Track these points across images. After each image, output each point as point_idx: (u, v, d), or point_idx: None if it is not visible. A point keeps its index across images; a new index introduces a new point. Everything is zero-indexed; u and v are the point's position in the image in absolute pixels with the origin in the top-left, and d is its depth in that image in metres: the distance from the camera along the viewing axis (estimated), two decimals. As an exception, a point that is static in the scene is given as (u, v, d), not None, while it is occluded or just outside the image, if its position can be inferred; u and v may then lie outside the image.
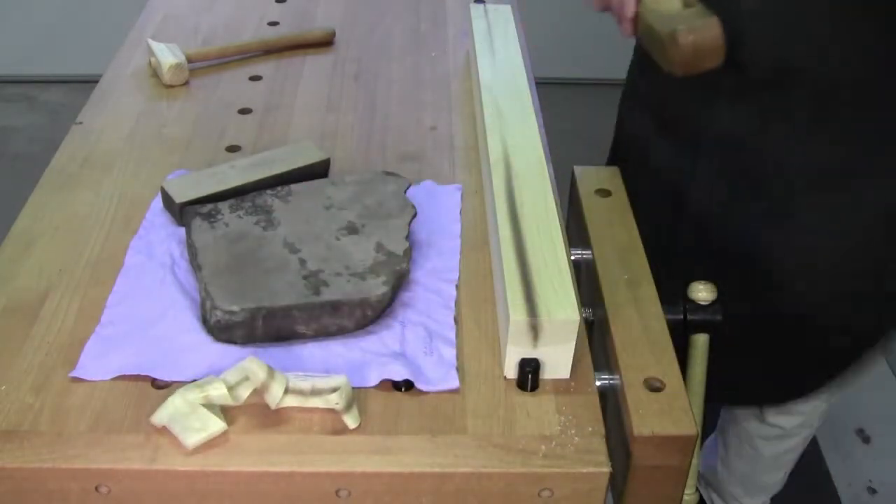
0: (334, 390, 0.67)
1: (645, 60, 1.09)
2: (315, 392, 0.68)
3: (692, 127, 1.08)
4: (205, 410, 0.67)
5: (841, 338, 1.14)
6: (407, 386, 0.72)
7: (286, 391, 0.68)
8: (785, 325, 1.13)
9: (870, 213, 1.04)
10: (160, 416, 0.67)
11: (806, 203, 1.03)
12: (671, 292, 0.84)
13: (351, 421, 0.68)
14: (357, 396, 0.70)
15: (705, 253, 1.11)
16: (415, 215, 0.85)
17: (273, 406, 0.68)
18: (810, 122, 0.99)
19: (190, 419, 0.67)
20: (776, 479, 1.48)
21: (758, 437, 1.39)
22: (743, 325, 1.04)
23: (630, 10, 1.00)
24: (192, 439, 0.66)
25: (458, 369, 0.73)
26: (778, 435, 1.37)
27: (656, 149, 1.14)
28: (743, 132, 1.04)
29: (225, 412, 0.69)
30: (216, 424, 0.67)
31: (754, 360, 1.16)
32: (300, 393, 0.68)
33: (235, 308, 0.74)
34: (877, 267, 1.08)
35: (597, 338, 0.82)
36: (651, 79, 1.13)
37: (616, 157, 1.27)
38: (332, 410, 0.68)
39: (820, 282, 1.08)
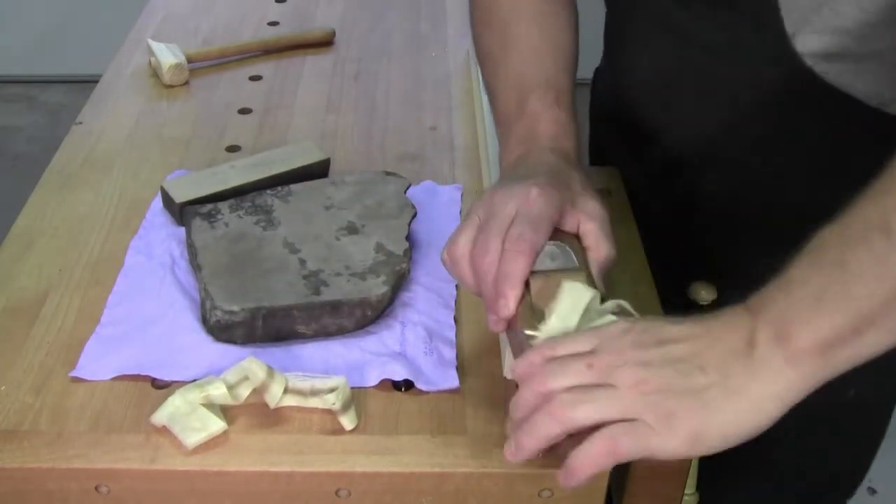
0: (332, 391, 0.67)
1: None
2: (314, 392, 0.68)
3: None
4: (205, 410, 0.67)
5: None
6: (407, 386, 0.72)
7: (285, 391, 0.68)
8: None
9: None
10: (160, 416, 0.67)
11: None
12: (671, 292, 0.84)
13: (348, 422, 0.68)
14: (356, 397, 0.70)
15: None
16: (415, 215, 0.85)
17: (272, 406, 0.68)
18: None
19: (190, 419, 0.66)
20: None
21: None
22: None
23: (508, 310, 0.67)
24: (192, 439, 0.66)
25: (458, 369, 0.73)
26: None
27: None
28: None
29: (225, 412, 0.69)
30: (216, 424, 0.67)
31: None
32: (299, 393, 0.68)
33: (235, 308, 0.74)
34: None
35: (597, 338, 0.81)
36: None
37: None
38: (331, 410, 0.68)
39: None
